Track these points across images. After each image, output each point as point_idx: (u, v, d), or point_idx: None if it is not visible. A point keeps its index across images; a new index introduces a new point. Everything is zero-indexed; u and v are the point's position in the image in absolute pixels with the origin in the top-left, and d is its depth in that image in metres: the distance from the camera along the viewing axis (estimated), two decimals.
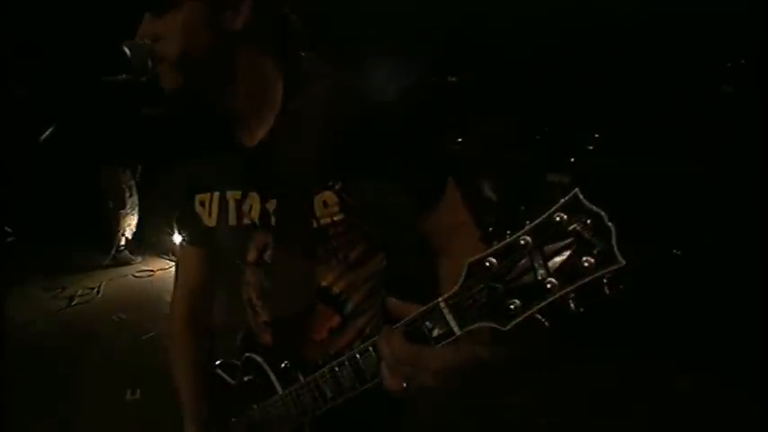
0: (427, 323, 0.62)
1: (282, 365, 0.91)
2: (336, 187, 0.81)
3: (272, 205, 0.86)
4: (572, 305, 0.51)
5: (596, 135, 4.24)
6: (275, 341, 0.94)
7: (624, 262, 0.47)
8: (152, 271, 4.48)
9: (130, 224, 4.54)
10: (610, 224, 0.48)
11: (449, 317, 0.60)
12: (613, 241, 0.48)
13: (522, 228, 0.52)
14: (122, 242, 4.57)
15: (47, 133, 0.75)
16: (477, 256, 0.56)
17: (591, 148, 4.12)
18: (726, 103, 4.45)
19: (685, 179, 3.71)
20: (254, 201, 0.87)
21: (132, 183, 4.44)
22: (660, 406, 2.53)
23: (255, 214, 0.87)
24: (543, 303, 0.52)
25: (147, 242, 4.80)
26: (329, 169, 0.81)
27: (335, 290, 0.89)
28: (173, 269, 4.53)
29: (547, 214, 0.51)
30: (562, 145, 4.17)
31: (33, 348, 3.22)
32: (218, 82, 0.81)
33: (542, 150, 4.20)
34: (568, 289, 0.51)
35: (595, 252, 0.49)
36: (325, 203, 0.81)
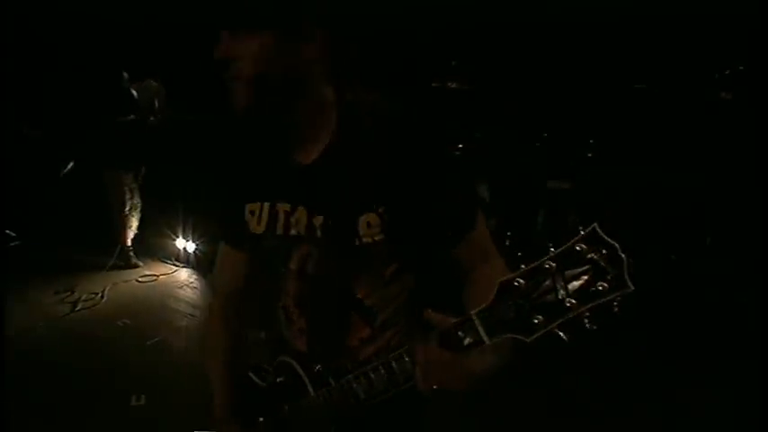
0: (460, 333, 0.71)
1: (315, 369, 0.98)
2: (380, 210, 0.88)
3: (318, 220, 0.92)
4: (587, 322, 0.61)
5: (593, 142, 4.30)
6: (309, 347, 1.01)
7: (633, 287, 0.57)
8: (156, 276, 4.50)
9: (131, 226, 4.58)
10: (622, 255, 0.57)
11: (480, 328, 0.69)
12: (625, 269, 0.57)
13: (547, 254, 0.62)
14: (128, 243, 4.62)
15: (66, 168, 0.81)
16: (507, 277, 0.65)
17: (590, 155, 4.21)
18: (724, 111, 4.54)
19: (684, 186, 3.81)
20: (301, 214, 0.94)
21: (135, 185, 4.49)
22: (660, 407, 2.61)
23: (302, 227, 0.94)
24: (563, 319, 0.62)
25: (150, 247, 4.82)
26: (375, 193, 0.88)
27: (368, 303, 0.97)
28: (176, 274, 4.56)
29: (569, 244, 0.60)
30: (561, 152, 4.25)
31: (36, 353, 3.20)
32: (285, 104, 0.87)
33: (542, 157, 4.28)
34: (584, 308, 0.60)
35: (609, 278, 0.58)
36: (368, 224, 0.88)
